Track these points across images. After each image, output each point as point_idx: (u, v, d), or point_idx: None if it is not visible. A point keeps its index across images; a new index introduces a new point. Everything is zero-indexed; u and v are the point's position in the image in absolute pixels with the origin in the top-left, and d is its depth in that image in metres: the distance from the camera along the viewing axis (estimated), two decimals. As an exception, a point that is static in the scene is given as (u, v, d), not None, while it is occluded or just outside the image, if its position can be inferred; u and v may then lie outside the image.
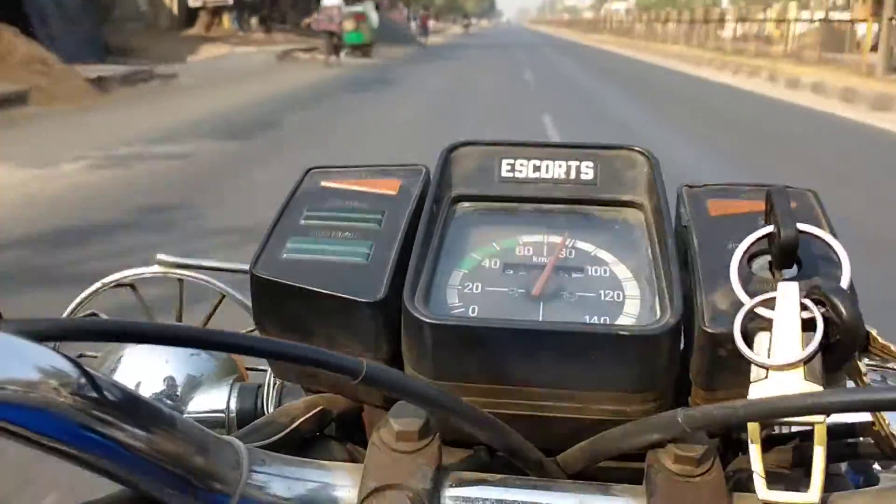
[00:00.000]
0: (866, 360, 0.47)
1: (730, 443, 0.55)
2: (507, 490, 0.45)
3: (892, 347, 0.44)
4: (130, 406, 0.37)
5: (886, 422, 0.48)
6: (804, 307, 0.46)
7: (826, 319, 0.45)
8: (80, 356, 0.75)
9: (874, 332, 0.45)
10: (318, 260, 0.54)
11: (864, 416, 0.50)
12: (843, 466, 0.62)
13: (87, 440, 0.35)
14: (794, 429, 0.54)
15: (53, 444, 0.34)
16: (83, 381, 0.35)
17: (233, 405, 0.75)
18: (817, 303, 0.46)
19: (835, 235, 0.51)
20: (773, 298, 0.47)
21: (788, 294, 0.47)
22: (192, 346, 0.40)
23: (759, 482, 0.43)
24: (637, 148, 0.62)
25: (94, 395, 0.35)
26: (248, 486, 0.43)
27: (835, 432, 0.51)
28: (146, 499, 0.40)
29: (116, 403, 0.36)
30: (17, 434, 0.33)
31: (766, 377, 0.45)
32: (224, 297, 0.83)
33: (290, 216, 0.59)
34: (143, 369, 0.75)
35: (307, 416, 0.54)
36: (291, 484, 0.45)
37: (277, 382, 0.74)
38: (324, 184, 0.62)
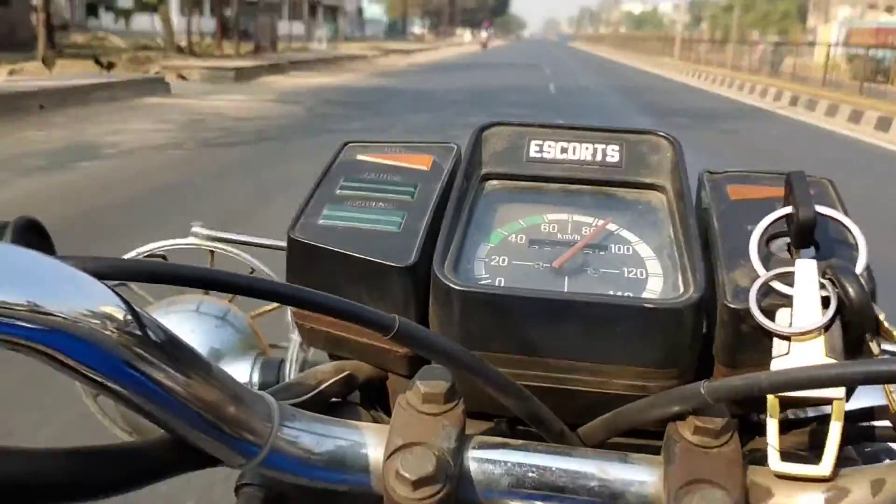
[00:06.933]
0: (882, 345, 0.48)
1: (748, 426, 0.56)
2: (528, 454, 0.46)
3: (895, 332, 0.45)
4: (172, 348, 0.38)
5: None
6: (821, 286, 0.47)
7: (840, 298, 0.46)
8: None
9: (881, 317, 0.46)
10: (352, 227, 0.56)
11: (882, 400, 0.50)
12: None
13: (128, 376, 0.36)
14: (812, 413, 0.55)
15: (95, 375, 0.35)
16: (130, 318, 0.36)
17: (255, 378, 0.76)
18: (831, 283, 0.47)
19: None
20: (791, 274, 0.48)
21: (807, 270, 0.48)
22: (240, 292, 0.41)
23: (773, 454, 0.44)
24: (661, 133, 0.63)
25: (139, 333, 0.36)
26: (278, 438, 0.44)
27: (853, 416, 0.52)
28: (183, 444, 0.41)
29: (159, 344, 0.37)
30: (63, 363, 0.34)
31: (788, 352, 0.46)
32: (253, 270, 0.84)
33: (326, 186, 0.60)
34: None
35: (334, 379, 0.56)
36: (320, 440, 0.46)
37: (300, 357, 0.75)
38: (360, 157, 0.64)
